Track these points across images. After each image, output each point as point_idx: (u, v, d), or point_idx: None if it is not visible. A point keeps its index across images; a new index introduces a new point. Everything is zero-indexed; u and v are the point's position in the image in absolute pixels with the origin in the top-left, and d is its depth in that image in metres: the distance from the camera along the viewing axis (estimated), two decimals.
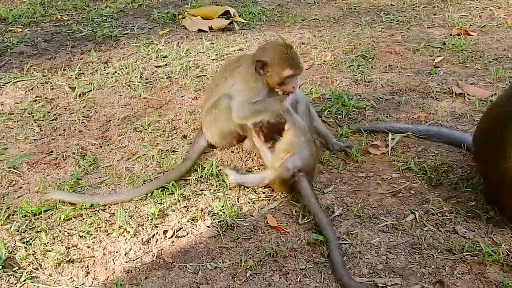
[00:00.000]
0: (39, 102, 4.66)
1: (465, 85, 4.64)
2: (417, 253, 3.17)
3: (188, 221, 3.42)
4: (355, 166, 3.84)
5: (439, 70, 4.92)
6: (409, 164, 3.81)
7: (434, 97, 4.55)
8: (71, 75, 4.97)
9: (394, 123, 4.22)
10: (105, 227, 3.41)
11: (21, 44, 5.55)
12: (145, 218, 3.46)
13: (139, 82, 4.79)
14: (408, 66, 4.99)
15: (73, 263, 3.18)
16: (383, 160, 3.90)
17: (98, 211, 3.54)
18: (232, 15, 5.83)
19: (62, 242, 3.32)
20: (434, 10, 6.07)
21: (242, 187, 3.67)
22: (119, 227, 3.40)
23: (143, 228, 3.39)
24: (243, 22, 5.88)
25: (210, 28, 5.73)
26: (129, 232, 3.35)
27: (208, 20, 5.79)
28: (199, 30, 5.70)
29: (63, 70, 5.04)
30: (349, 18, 5.95)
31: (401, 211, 3.44)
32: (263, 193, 3.63)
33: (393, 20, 5.85)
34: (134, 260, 3.18)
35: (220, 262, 3.15)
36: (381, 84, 4.74)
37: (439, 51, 5.24)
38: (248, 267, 3.11)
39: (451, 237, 3.25)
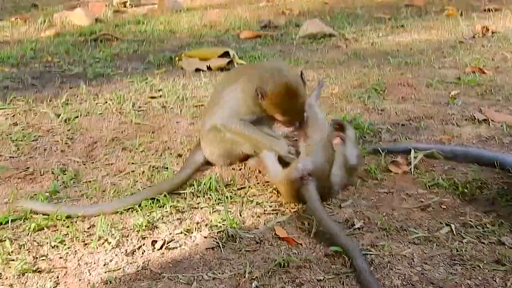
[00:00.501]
0: (19, 125, 4.14)
1: (488, 110, 4.17)
2: (458, 265, 2.59)
3: (181, 232, 2.86)
4: (375, 183, 3.33)
5: (457, 100, 4.46)
6: (437, 180, 3.28)
7: (455, 124, 4.07)
8: (57, 104, 4.47)
9: (414, 143, 3.71)
10: (83, 237, 2.82)
11: (7, 80, 5.09)
12: (131, 229, 2.90)
13: (131, 110, 4.30)
14: (423, 97, 4.55)
15: (40, 273, 2.59)
16: (405, 178, 3.38)
17: (75, 222, 2.97)
18: (232, 57, 5.44)
19: (29, 251, 2.74)
20: (444, 54, 5.72)
21: (246, 200, 3.11)
22: (99, 237, 2.81)
23: (127, 239, 2.81)
24: (243, 64, 5.48)
25: (208, 68, 5.32)
26: (110, 243, 2.77)
27: (206, 60, 5.40)
28: (197, 70, 5.28)
29: (49, 101, 4.55)
30: (354, 61, 5.56)
31: (433, 224, 2.90)
32: (270, 206, 3.09)
33: (401, 62, 5.47)
34: (114, 271, 2.59)
35: (219, 273, 2.56)
36: (396, 112, 4.27)
37: (454, 85, 4.83)
38: (253, 277, 2.50)
39: (497, 249, 2.69)
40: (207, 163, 3.49)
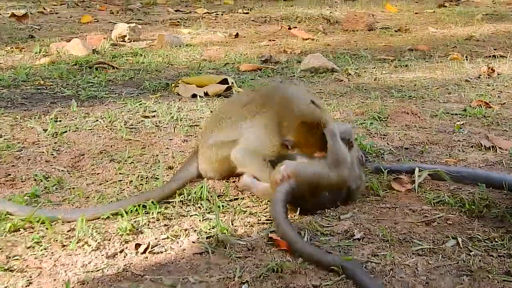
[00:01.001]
0: (3, 137, 4.03)
1: (495, 138, 4.07)
2: (466, 275, 2.46)
3: (167, 237, 2.73)
4: (376, 199, 3.21)
5: (463, 129, 4.37)
6: (442, 198, 3.17)
7: (461, 150, 3.96)
8: (46, 120, 4.38)
9: (419, 164, 3.60)
10: (61, 239, 2.69)
11: None
12: (114, 233, 2.77)
13: (123, 127, 4.20)
14: (427, 126, 4.46)
15: (11, 272, 2.44)
16: (409, 195, 3.27)
17: (55, 224, 2.82)
18: (230, 84, 5.37)
19: (2, 251, 2.58)
20: (448, 90, 5.65)
21: (238, 210, 2.99)
22: (78, 240, 2.68)
23: (109, 243, 2.69)
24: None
25: (206, 94, 5.24)
26: (90, 245, 2.65)
27: (204, 87, 5.32)
28: (193, 96, 5.20)
29: (38, 117, 4.46)
30: (357, 93, 5.49)
31: (438, 237, 2.78)
32: (265, 216, 2.95)
33: (405, 95, 5.40)
34: (93, 272, 2.44)
35: (206, 276, 2.41)
36: (399, 137, 4.17)
37: (460, 117, 4.74)
38: (243, 281, 2.36)
39: (508, 261, 2.57)
40: (200, 176, 3.37)
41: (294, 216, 2.92)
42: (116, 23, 8.73)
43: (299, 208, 2.95)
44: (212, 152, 3.29)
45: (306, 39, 8.61)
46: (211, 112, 4.59)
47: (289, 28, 9.33)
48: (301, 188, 2.90)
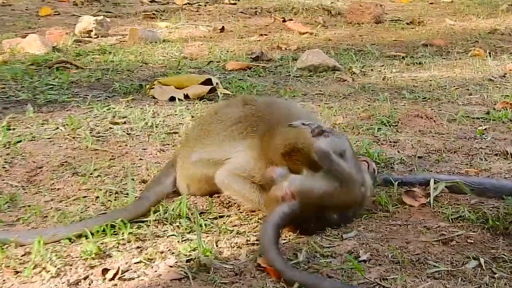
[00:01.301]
0: None
1: None
2: None
3: (140, 261, 2.73)
4: (385, 216, 3.25)
5: (486, 135, 4.41)
6: (462, 213, 3.19)
7: (484, 158, 4.00)
8: None
9: (435, 174, 3.62)
10: (14, 265, 2.68)
11: None
12: (77, 257, 2.77)
13: (88, 135, 4.21)
14: (445, 131, 4.50)
15: None
16: (423, 211, 3.31)
17: (7, 248, 2.82)
18: (215, 85, 5.39)
19: None
20: (469, 91, 5.70)
21: (224, 229, 3.02)
22: (35, 265, 2.68)
23: (71, 268, 2.70)
24: (228, 94, 5.43)
25: (186, 97, 5.26)
26: (49, 271, 2.66)
27: (183, 88, 5.34)
28: (171, 99, 5.21)
29: None
30: (362, 95, 5.53)
31: (457, 258, 2.82)
32: (254, 236, 2.96)
33: (419, 97, 5.44)
34: None
35: None
36: (412, 145, 4.21)
37: (482, 121, 4.79)
38: None
39: None
40: (176, 192, 3.40)
41: (290, 235, 2.92)
42: (80, 16, 8.74)
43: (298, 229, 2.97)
44: (197, 169, 3.33)
45: (304, 33, 8.66)
46: (193, 118, 4.60)
47: (284, 21, 9.38)
48: (305, 210, 2.92)
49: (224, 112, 3.45)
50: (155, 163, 3.81)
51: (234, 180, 3.21)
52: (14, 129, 4.40)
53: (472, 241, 2.94)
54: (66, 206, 3.27)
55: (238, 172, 3.20)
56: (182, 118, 4.69)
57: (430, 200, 3.35)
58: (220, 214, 3.19)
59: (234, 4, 11.09)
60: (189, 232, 2.97)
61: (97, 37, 8.10)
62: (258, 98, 3.52)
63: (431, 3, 11.89)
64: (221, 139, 3.32)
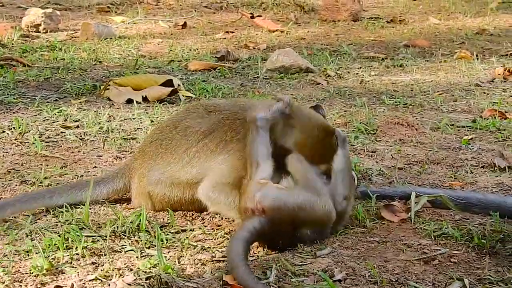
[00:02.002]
0: None
1: None
2: None
3: (96, 278, 2.76)
4: (362, 232, 3.32)
5: (472, 146, 4.51)
6: (445, 230, 3.26)
7: (469, 171, 4.08)
8: None
9: (416, 187, 3.71)
10: None
11: None
12: (26, 272, 2.81)
13: (37, 140, 4.23)
14: (427, 141, 4.59)
15: None
16: (403, 227, 3.38)
17: None
18: (176, 87, 5.44)
19: None
20: (454, 97, 5.80)
21: (187, 244, 3.06)
22: None
23: (21, 285, 2.74)
24: (191, 97, 5.48)
25: (144, 99, 5.30)
26: None
27: (142, 90, 5.38)
28: (129, 101, 5.25)
29: None
30: (338, 99, 5.61)
31: (440, 278, 2.88)
32: (220, 252, 3.01)
33: (399, 103, 5.54)
34: None
35: None
36: (391, 155, 4.29)
37: (468, 130, 4.88)
38: None
39: None
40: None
41: (259, 251, 2.98)
42: (27, 8, 8.76)
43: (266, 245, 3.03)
44: (161, 190, 3.37)
45: (274, 31, 8.74)
46: (153, 123, 4.64)
47: (252, 17, 9.45)
48: (277, 226, 2.97)
49: (186, 125, 3.45)
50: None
51: (221, 191, 3.27)
52: None
53: (456, 261, 3.00)
54: (15, 217, 3.29)
55: (225, 181, 3.26)
56: (141, 123, 4.74)
57: (411, 215, 3.42)
58: (183, 228, 3.23)
59: None
60: (149, 247, 3.01)
61: (46, 31, 8.12)
62: (215, 101, 3.55)
63: (414, 0, 12.02)
64: (191, 156, 3.36)
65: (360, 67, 6.83)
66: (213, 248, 3.05)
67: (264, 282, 2.76)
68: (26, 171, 3.83)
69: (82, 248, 2.97)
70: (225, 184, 3.26)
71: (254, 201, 2.97)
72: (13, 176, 3.76)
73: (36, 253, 2.92)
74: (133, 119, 4.83)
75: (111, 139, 4.36)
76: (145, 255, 2.96)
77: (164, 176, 3.37)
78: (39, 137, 4.34)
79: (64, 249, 2.96)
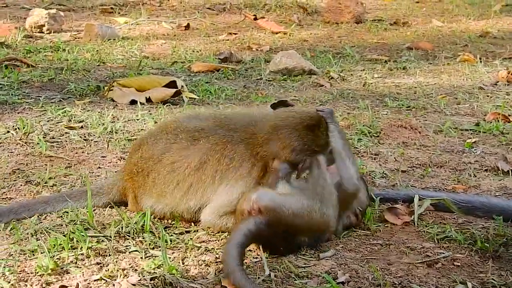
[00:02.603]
0: None
1: None
2: None
3: (100, 278, 2.79)
4: (366, 234, 3.34)
5: (475, 149, 4.52)
6: (448, 233, 3.28)
7: (472, 174, 4.10)
8: None
9: (419, 190, 3.72)
10: None
11: None
12: (32, 272, 2.83)
13: (41, 141, 4.25)
14: (431, 144, 4.60)
15: None
16: (406, 230, 3.40)
17: None
18: (180, 88, 5.45)
19: None
20: (457, 100, 5.82)
21: (191, 245, 3.09)
22: None
23: (26, 285, 2.76)
24: (194, 98, 5.50)
25: (148, 100, 5.31)
26: (2, 287, 2.69)
27: (146, 91, 5.39)
28: (132, 102, 5.27)
29: None
30: (341, 102, 5.63)
31: (443, 282, 2.91)
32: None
33: (402, 105, 5.55)
34: None
35: None
36: (394, 158, 4.31)
37: (471, 133, 4.90)
38: None
39: None
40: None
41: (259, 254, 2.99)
42: (31, 9, 8.77)
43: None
44: (160, 212, 3.32)
45: (277, 33, 8.76)
46: (156, 124, 4.65)
47: (255, 19, 9.46)
48: (273, 228, 2.97)
49: (171, 160, 3.29)
50: (115, 172, 3.86)
51: (228, 217, 3.24)
52: None
53: (459, 264, 3.02)
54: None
55: (229, 210, 3.22)
56: (144, 124, 4.75)
57: (414, 218, 3.43)
58: (187, 229, 3.24)
59: None
60: (153, 248, 3.03)
61: (50, 32, 8.14)
62: (195, 123, 3.31)
63: (417, 2, 12.05)
64: (185, 190, 3.27)
65: (363, 70, 6.85)
66: (216, 249, 3.07)
67: (268, 284, 2.77)
68: (30, 171, 3.84)
69: (87, 248, 2.99)
70: (230, 211, 3.22)
71: (250, 202, 2.98)
72: (18, 176, 3.77)
73: (41, 253, 2.94)
74: (137, 120, 4.84)
75: (115, 140, 4.38)
76: (150, 256, 2.98)
77: (159, 206, 3.31)
78: (44, 137, 4.36)
79: (69, 249, 2.98)
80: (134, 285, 2.73)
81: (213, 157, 3.25)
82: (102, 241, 3.08)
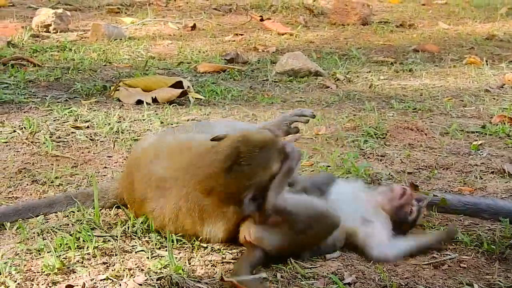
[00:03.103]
0: None
1: None
2: None
3: (107, 278, 2.79)
4: None
5: (482, 151, 4.52)
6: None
7: (479, 177, 4.09)
8: None
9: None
10: None
11: None
12: (38, 271, 2.83)
13: (48, 140, 4.26)
14: (437, 146, 4.60)
15: None
16: (413, 231, 3.36)
17: None
18: (186, 88, 5.46)
19: None
20: (463, 102, 5.82)
21: (197, 245, 3.09)
22: None
23: (32, 284, 2.76)
24: (201, 99, 5.51)
25: (154, 100, 5.32)
26: (8, 286, 2.72)
27: (152, 91, 5.40)
28: (138, 102, 5.27)
29: None
30: (347, 103, 5.63)
31: (449, 283, 2.91)
32: (230, 253, 3.03)
33: (409, 107, 5.55)
34: None
35: None
36: (400, 159, 4.30)
37: (477, 135, 4.89)
38: None
39: None
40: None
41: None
42: (38, 8, 8.78)
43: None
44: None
45: (283, 34, 8.76)
46: (162, 124, 4.65)
47: (261, 20, 9.47)
48: (274, 254, 2.97)
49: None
50: (121, 171, 3.86)
51: None
52: None
53: (466, 266, 3.02)
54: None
55: None
56: (150, 124, 4.76)
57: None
58: None
59: None
60: (160, 248, 3.03)
61: (56, 32, 8.15)
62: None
63: (423, 4, 12.04)
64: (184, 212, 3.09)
65: (369, 71, 6.85)
66: (223, 249, 3.06)
67: (275, 284, 2.78)
68: (37, 171, 3.85)
69: (93, 248, 2.99)
70: None
71: (249, 234, 2.96)
72: (24, 176, 3.78)
73: (47, 252, 2.94)
74: (143, 120, 4.85)
75: (121, 140, 4.38)
76: (156, 256, 2.98)
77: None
78: (50, 136, 4.36)
79: (75, 248, 2.98)
80: (140, 285, 2.73)
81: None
82: (109, 240, 3.08)
